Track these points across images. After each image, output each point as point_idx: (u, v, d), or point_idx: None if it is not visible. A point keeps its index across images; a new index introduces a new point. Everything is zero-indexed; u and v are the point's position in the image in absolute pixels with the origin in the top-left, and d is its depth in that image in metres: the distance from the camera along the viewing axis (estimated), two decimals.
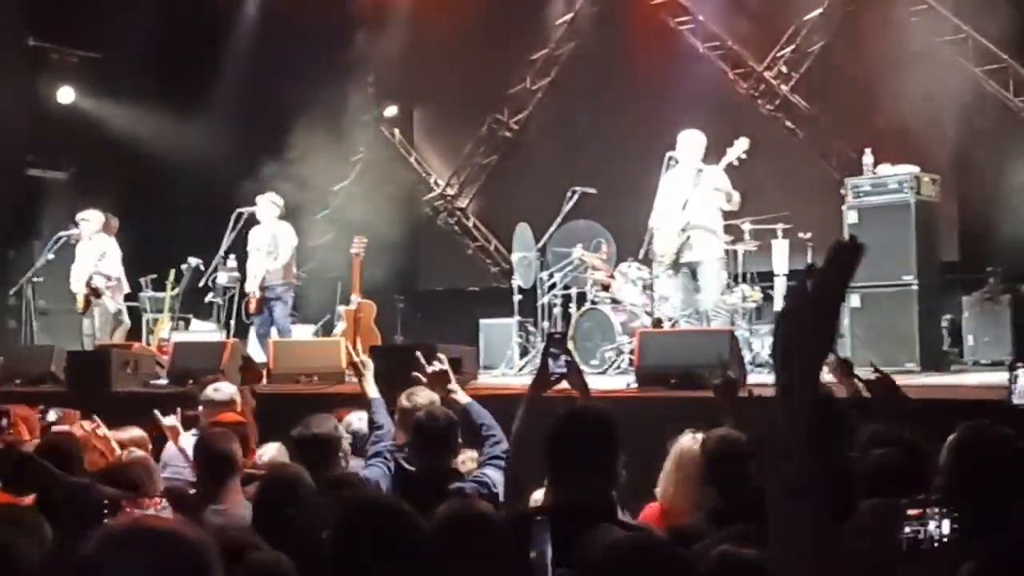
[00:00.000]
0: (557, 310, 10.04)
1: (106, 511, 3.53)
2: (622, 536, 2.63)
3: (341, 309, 10.87)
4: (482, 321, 10.85)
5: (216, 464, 4.38)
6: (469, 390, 5.33)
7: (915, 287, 8.01)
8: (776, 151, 10.48)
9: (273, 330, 10.30)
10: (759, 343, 8.81)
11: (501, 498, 3.96)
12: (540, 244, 10.19)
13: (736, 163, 8.54)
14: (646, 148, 9.54)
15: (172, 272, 11.46)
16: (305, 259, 11.47)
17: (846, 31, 11.12)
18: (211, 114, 13.12)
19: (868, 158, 8.68)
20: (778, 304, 9.45)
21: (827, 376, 4.85)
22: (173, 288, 11.47)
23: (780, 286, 9.30)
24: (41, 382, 9.10)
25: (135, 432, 5.46)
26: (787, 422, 1.62)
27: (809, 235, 9.28)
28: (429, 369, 4.97)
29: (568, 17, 13.09)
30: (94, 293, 10.72)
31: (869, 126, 9.95)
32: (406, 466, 4.60)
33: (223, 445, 4.43)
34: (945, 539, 2.62)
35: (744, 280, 9.30)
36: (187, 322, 11.65)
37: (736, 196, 8.61)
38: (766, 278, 9.49)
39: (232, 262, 10.88)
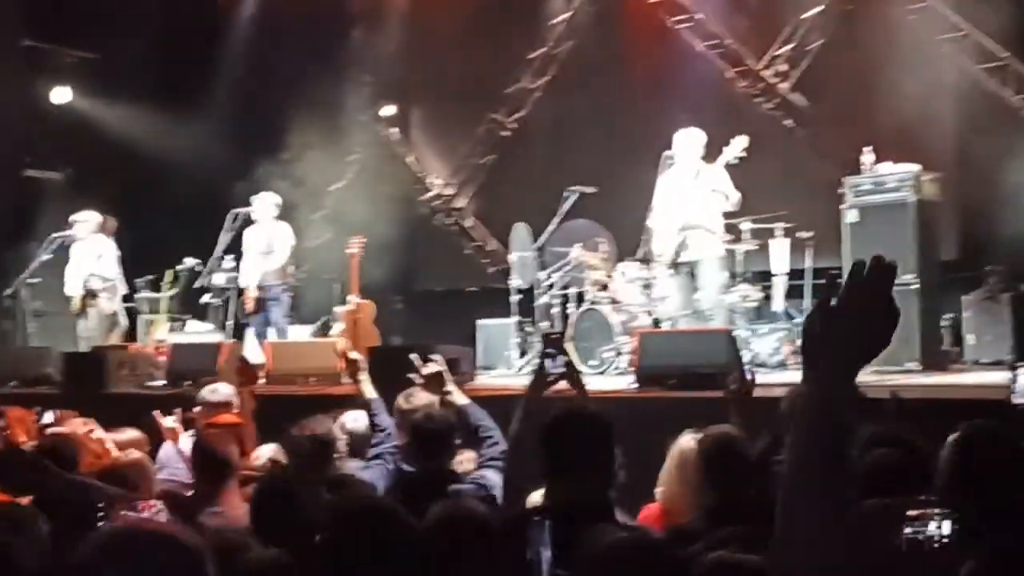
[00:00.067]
0: (555, 310, 10.02)
1: (102, 512, 3.52)
2: (619, 536, 2.63)
3: (338, 309, 10.85)
4: (480, 321, 10.82)
5: (213, 466, 4.36)
6: (467, 391, 5.31)
7: (915, 286, 7.96)
8: (775, 150, 10.44)
9: (271, 331, 10.29)
10: (759, 343, 8.79)
11: (499, 499, 3.94)
12: (538, 244, 10.17)
13: (735, 161, 8.50)
14: (645, 147, 9.49)
15: (169, 273, 11.44)
16: (302, 259, 11.44)
17: (845, 29, 11.10)
18: (208, 114, 13.10)
19: (867, 157, 8.65)
20: (777, 304, 9.44)
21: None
22: (170, 289, 11.44)
23: (779, 286, 9.27)
24: (37, 384, 9.09)
25: (133, 433, 5.44)
26: (812, 425, 1.64)
27: (809, 234, 9.25)
28: (424, 371, 4.95)
29: (566, 16, 13.07)
30: (90, 295, 10.68)
31: (868, 124, 9.90)
32: (404, 467, 4.58)
33: (220, 447, 4.41)
34: (946, 540, 2.60)
35: (744, 280, 9.27)
36: (184, 323, 11.62)
37: (736, 195, 8.55)
38: (765, 278, 9.46)
39: (229, 263, 10.86)
